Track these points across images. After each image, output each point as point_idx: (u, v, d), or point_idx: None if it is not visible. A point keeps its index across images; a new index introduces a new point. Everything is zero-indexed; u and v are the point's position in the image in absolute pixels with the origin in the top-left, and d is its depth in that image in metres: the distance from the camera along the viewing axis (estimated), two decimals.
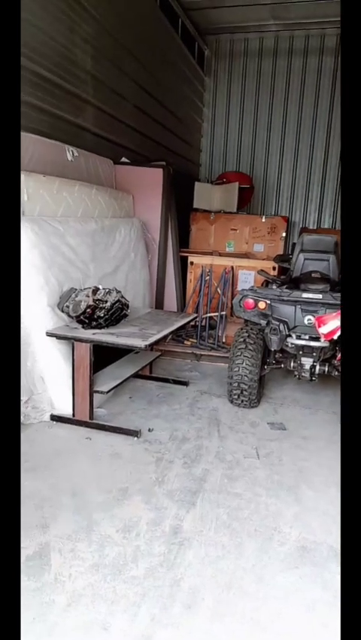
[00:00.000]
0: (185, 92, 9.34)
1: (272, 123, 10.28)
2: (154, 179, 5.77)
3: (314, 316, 3.75)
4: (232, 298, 4.77)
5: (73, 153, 4.66)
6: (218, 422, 3.84)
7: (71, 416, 3.64)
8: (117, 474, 3.01)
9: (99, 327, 3.68)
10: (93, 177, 5.08)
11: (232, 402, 4.16)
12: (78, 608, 2.00)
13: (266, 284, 4.79)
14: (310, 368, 4.02)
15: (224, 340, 5.67)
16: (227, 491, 2.90)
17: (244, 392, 4.02)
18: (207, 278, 5.97)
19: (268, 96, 10.19)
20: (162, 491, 2.85)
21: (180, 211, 6.42)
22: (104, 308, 3.69)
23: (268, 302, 3.92)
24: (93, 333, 3.58)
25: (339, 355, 4.01)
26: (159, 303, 5.94)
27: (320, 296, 3.83)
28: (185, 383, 4.60)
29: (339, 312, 3.57)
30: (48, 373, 3.71)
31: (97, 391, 3.65)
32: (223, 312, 5.80)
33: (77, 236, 4.17)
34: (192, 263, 6.16)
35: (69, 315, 3.72)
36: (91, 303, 3.65)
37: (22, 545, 2.31)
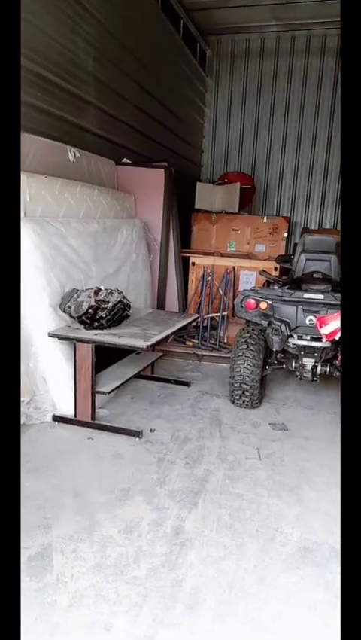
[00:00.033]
0: (186, 93, 9.35)
1: (274, 123, 10.28)
2: (156, 180, 5.78)
3: (316, 317, 3.75)
4: (234, 299, 4.77)
5: (75, 154, 4.67)
6: (220, 423, 3.84)
7: (72, 417, 3.65)
8: (119, 475, 3.01)
9: (101, 327, 3.69)
10: (95, 178, 5.09)
11: (233, 402, 4.16)
12: (80, 609, 2.00)
13: (268, 284, 4.78)
14: (312, 368, 4.02)
15: (226, 341, 5.67)
16: (229, 491, 2.90)
17: (246, 393, 4.02)
18: (209, 278, 5.97)
19: (269, 97, 10.20)
20: (164, 491, 2.86)
21: (182, 211, 6.43)
22: (105, 309, 3.69)
23: (270, 302, 3.93)
24: (95, 334, 3.59)
25: (341, 356, 4.01)
26: (160, 304, 5.95)
27: (321, 296, 3.83)
28: (187, 384, 4.60)
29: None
30: (50, 373, 3.72)
31: (99, 392, 3.66)
32: (225, 313, 5.80)
33: (79, 236, 4.18)
34: (193, 263, 6.16)
35: (71, 316, 3.72)
36: (93, 303, 3.66)
37: (24, 545, 2.32)
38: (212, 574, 2.23)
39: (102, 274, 4.47)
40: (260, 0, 8.33)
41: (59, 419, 3.65)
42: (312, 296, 3.86)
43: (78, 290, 3.84)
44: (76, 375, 3.58)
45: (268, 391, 4.55)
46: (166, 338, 4.01)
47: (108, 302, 3.72)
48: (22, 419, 3.51)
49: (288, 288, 4.06)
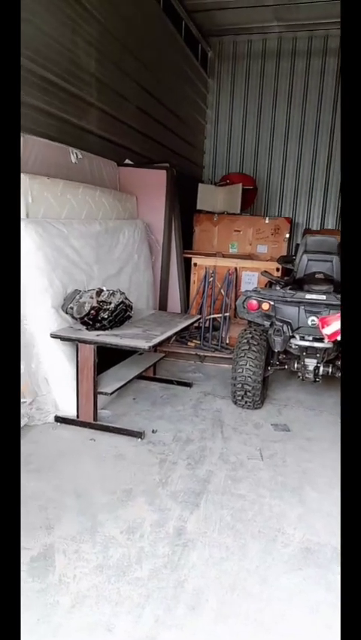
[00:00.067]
0: (188, 94, 9.36)
1: (275, 124, 10.29)
2: (158, 181, 5.78)
3: (318, 317, 3.75)
4: (236, 299, 4.77)
5: (77, 156, 4.68)
6: (222, 424, 3.84)
7: (75, 418, 3.65)
8: (121, 475, 3.01)
9: (103, 328, 3.69)
10: (97, 179, 5.10)
11: (235, 403, 4.16)
12: (82, 609, 2.00)
13: (270, 285, 4.78)
14: (314, 369, 4.01)
15: (228, 341, 5.67)
16: (231, 492, 2.90)
17: (248, 393, 4.02)
18: (211, 279, 5.97)
19: (271, 97, 10.20)
20: (166, 492, 2.86)
21: (184, 212, 6.44)
22: (107, 309, 3.70)
23: (272, 303, 3.93)
24: (97, 335, 3.59)
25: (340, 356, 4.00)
26: (162, 305, 5.95)
27: (323, 297, 3.83)
28: (189, 384, 4.60)
29: None
30: (52, 374, 3.72)
31: (101, 393, 3.67)
32: (227, 314, 5.80)
33: (81, 237, 4.19)
34: (195, 264, 6.16)
35: (73, 317, 3.73)
36: (95, 304, 3.66)
37: (27, 546, 2.32)
38: (214, 575, 2.23)
39: (104, 275, 4.47)
40: (262, 1, 8.34)
41: (61, 420, 3.66)
42: (314, 296, 3.86)
43: (80, 291, 3.85)
44: (78, 376, 3.59)
45: (270, 392, 4.55)
46: (168, 339, 4.01)
47: (110, 303, 3.73)
48: (25, 420, 3.52)
49: (290, 289, 4.06)
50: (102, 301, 3.71)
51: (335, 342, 3.79)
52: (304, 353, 4.00)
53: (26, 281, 3.57)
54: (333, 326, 3.54)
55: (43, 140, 4.20)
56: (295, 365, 4.16)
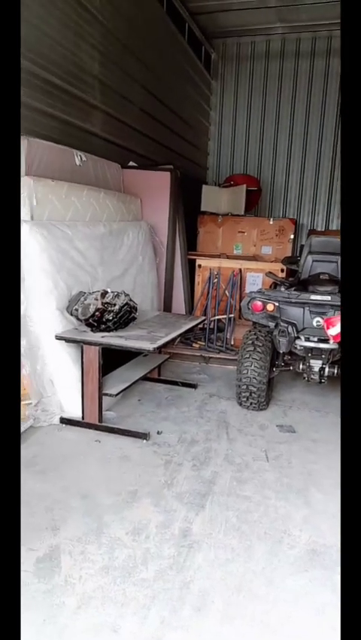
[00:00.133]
0: (192, 96, 9.38)
1: (279, 125, 10.29)
2: (162, 182, 5.79)
3: (323, 318, 3.74)
4: (240, 300, 4.77)
5: (81, 158, 4.69)
6: (227, 425, 3.84)
7: (80, 419, 3.66)
8: (126, 477, 3.02)
9: (108, 330, 3.70)
10: (101, 181, 5.12)
11: (240, 404, 4.15)
12: (88, 611, 2.00)
13: (274, 286, 4.78)
14: (320, 370, 4.00)
15: (232, 343, 5.66)
16: (236, 494, 2.89)
17: (253, 395, 4.01)
18: (215, 280, 5.97)
19: (275, 99, 10.21)
20: (171, 493, 2.86)
21: (188, 214, 6.44)
22: (112, 311, 3.70)
23: (277, 304, 3.92)
24: (102, 336, 3.60)
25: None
26: (167, 306, 5.95)
27: (328, 298, 3.82)
28: (193, 386, 4.60)
29: None
30: (57, 376, 3.73)
31: (106, 394, 3.67)
32: (232, 315, 5.79)
33: (85, 239, 4.20)
34: (200, 265, 6.16)
35: (78, 319, 3.74)
36: (100, 306, 3.67)
37: (32, 547, 2.33)
38: (220, 577, 2.22)
39: (109, 277, 4.48)
40: (265, 2, 8.35)
41: (66, 422, 3.66)
42: (319, 297, 3.85)
43: (85, 292, 3.86)
44: (83, 377, 3.60)
45: (275, 393, 4.54)
46: (173, 340, 4.02)
47: (115, 304, 3.73)
48: (30, 422, 3.53)
49: (295, 290, 4.06)
50: (107, 303, 3.72)
51: (340, 343, 3.78)
52: (310, 354, 3.99)
53: (31, 284, 3.59)
54: (338, 327, 3.53)
55: (47, 143, 4.22)
56: (301, 366, 4.15)
